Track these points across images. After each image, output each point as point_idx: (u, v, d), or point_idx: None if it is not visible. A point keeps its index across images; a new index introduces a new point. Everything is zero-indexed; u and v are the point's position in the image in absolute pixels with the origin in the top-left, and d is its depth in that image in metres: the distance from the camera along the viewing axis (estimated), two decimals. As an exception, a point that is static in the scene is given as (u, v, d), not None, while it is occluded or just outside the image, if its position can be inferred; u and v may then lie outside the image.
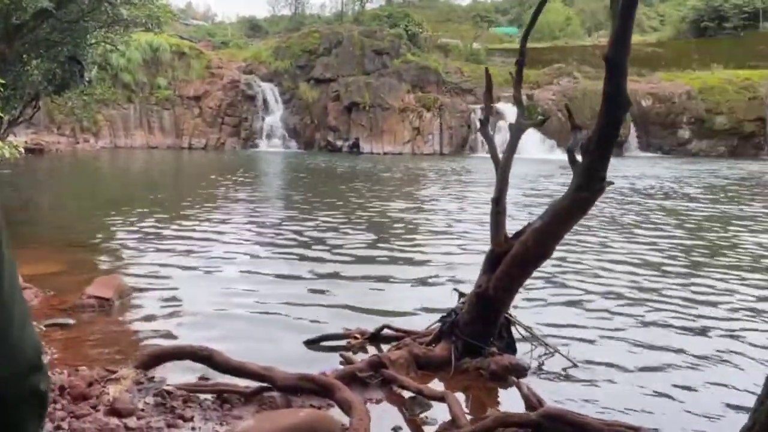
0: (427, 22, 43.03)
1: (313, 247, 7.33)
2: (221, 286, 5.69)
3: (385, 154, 31.08)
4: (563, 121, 32.78)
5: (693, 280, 6.18)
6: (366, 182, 15.87)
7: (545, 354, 4.15)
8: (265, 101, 34.24)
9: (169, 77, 33.76)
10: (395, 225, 8.80)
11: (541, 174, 19.81)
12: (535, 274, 4.05)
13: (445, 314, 4.24)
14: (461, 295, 4.36)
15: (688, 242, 8.14)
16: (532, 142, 32.34)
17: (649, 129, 35.39)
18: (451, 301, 4.37)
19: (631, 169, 21.99)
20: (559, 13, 60.24)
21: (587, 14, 64.80)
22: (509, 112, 33.20)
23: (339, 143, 32.43)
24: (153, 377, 3.53)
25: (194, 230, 8.30)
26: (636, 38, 46.84)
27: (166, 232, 8.13)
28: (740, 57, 44.01)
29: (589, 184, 3.56)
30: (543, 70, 44.81)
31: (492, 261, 4.10)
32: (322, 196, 12.33)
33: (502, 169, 4.19)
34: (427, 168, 21.49)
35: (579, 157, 3.65)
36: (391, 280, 6.02)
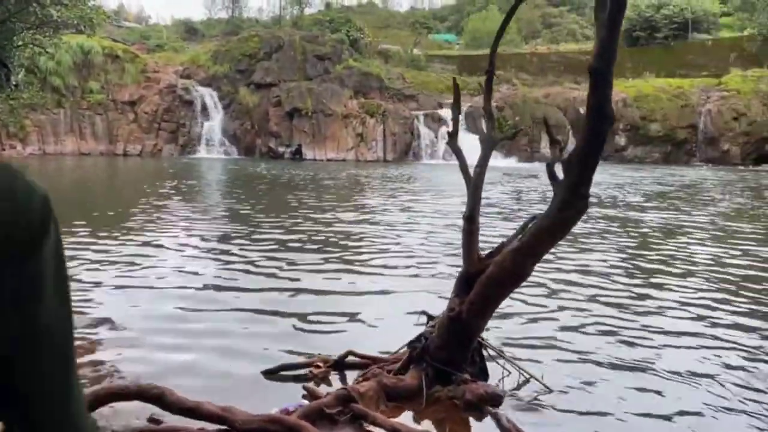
0: (367, 28, 42.99)
1: (261, 265, 6.93)
2: (163, 310, 5.24)
3: (328, 160, 30.73)
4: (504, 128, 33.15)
5: (651, 291, 6.11)
6: (312, 191, 15.51)
7: (519, 379, 3.94)
8: (203, 106, 33.38)
9: (101, 81, 32.49)
10: (348, 239, 8.49)
11: (486, 181, 19.82)
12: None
13: (413, 339, 3.97)
14: (429, 318, 4.11)
15: (643, 252, 8.14)
16: (472, 149, 32.55)
17: (587, 135, 36.12)
18: (409, 323, 4.12)
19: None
20: (496, 21, 61.15)
21: (523, 22, 66.23)
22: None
23: (281, 150, 31.88)
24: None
25: (129, 246, 7.76)
26: (572, 47, 48.29)
27: (95, 248, 7.50)
28: (670, 66, 45.79)
29: (572, 201, 3.35)
30: (483, 77, 45.26)
31: (465, 282, 3.86)
32: (267, 207, 11.90)
33: (475, 185, 3.97)
34: (373, 176, 21.27)
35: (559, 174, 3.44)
36: (350, 300, 5.71)
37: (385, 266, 6.95)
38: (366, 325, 4.98)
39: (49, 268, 0.63)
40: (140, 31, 50.06)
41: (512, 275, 3.68)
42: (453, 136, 4.27)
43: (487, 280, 3.71)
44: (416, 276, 6.55)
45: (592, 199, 3.46)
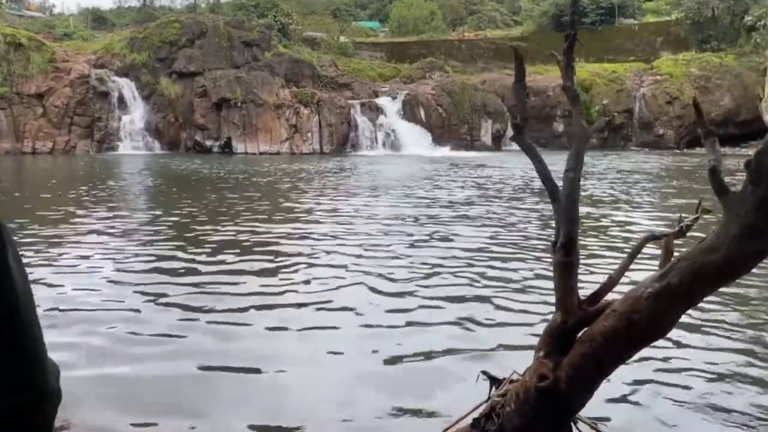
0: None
1: (207, 288, 5.28)
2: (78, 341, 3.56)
3: (261, 154, 28.74)
4: (443, 116, 32.10)
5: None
6: (250, 190, 13.75)
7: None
8: (120, 98, 30.68)
9: (3, 72, 29.32)
10: (298, 254, 6.82)
11: (433, 173, 18.40)
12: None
13: (478, 416, 2.53)
14: (494, 381, 2.67)
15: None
16: (411, 137, 31.43)
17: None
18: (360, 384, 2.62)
19: (521, 166, 21.28)
20: (422, 7, 60.75)
21: (447, 9, 65.98)
22: (388, 106, 32.04)
23: (209, 143, 29.66)
24: None
25: (36, 264, 5.95)
26: (499, 33, 47.79)
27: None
28: (599, 50, 46.00)
29: None
30: (415, 65, 44.50)
31: (560, 338, 2.42)
32: (198, 212, 10.11)
33: (570, 198, 2.50)
34: (309, 171, 19.52)
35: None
36: (324, 336, 4.06)
37: (361, 291, 5.28)
38: (288, 381, 3.47)
39: None
40: (44, 21, 46.19)
41: (649, 329, 2.26)
42: (521, 128, 2.78)
43: (604, 337, 2.28)
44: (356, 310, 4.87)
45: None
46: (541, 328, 2.55)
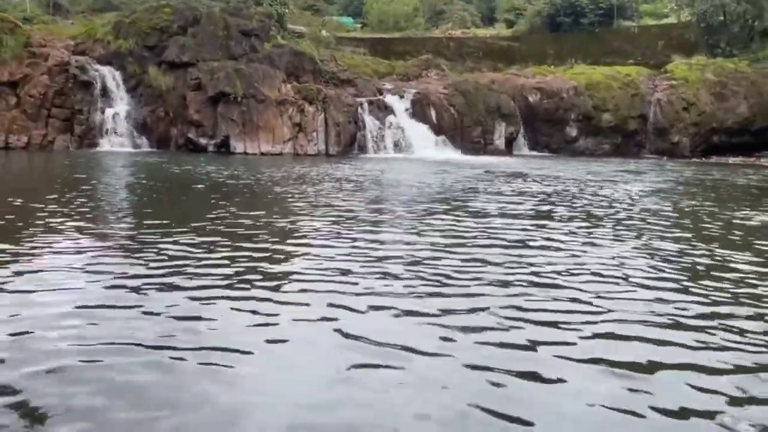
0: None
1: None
2: None
3: (262, 154, 26.13)
4: (456, 117, 30.02)
5: None
6: (261, 202, 11.33)
7: None
8: (104, 89, 27.71)
9: (-29, 57, 26.20)
10: (279, 295, 4.57)
11: (460, 179, 15.88)
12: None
13: None
14: None
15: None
16: (422, 139, 29.32)
17: (536, 126, 33.73)
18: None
19: (546, 170, 19.18)
20: (402, 3, 59.26)
21: (426, 5, 64.89)
22: (397, 105, 29.84)
23: (203, 141, 26.90)
24: None
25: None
26: (490, 32, 46.13)
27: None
28: (596, 53, 44.76)
29: None
30: (411, 62, 42.64)
31: None
32: (201, 228, 7.73)
33: None
34: (316, 176, 17.03)
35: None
36: None
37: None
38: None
39: None
40: (-3, 6, 42.63)
41: None
42: None
43: None
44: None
45: None
46: None
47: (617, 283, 5.61)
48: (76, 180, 15.31)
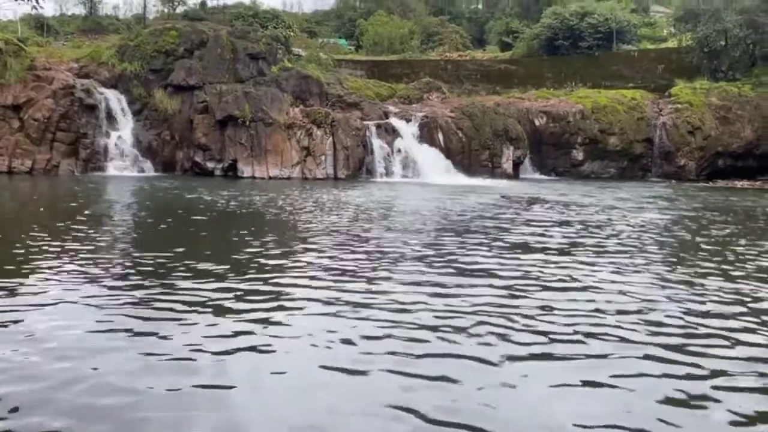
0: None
1: None
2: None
3: (270, 178, 25.76)
4: (464, 140, 29.81)
5: None
6: (252, 233, 10.94)
7: None
8: (109, 112, 27.35)
9: (-26, 80, 25.78)
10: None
11: (483, 204, 15.48)
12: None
13: None
14: None
15: None
16: (430, 163, 29.02)
17: (543, 150, 33.57)
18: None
19: (565, 195, 18.91)
20: (398, 26, 59.49)
21: (421, 28, 65.28)
22: (404, 129, 29.60)
23: (210, 165, 26.51)
24: None
25: None
26: (487, 54, 46.19)
27: None
28: (595, 76, 44.76)
29: None
30: (411, 85, 42.52)
31: None
32: (214, 260, 7.33)
33: None
34: (327, 202, 16.67)
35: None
36: None
37: None
38: None
39: None
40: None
41: None
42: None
43: None
44: None
45: None
46: None
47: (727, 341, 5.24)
48: (96, 201, 14.85)
